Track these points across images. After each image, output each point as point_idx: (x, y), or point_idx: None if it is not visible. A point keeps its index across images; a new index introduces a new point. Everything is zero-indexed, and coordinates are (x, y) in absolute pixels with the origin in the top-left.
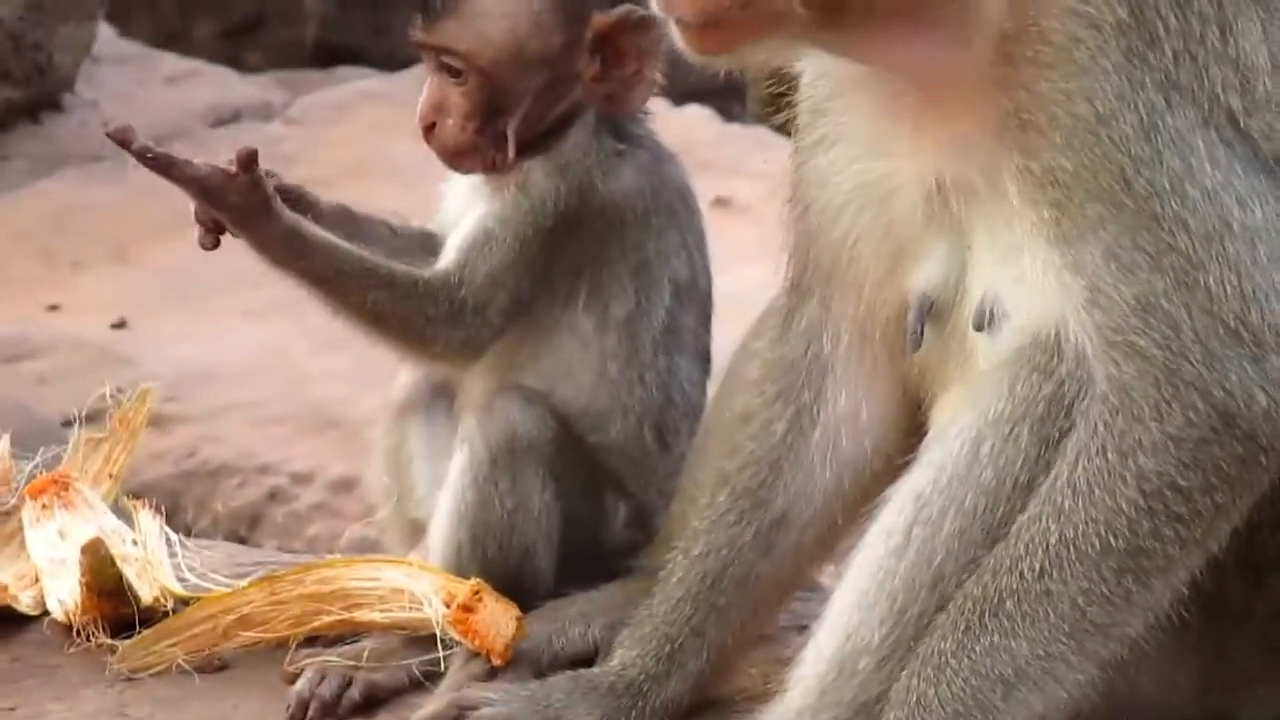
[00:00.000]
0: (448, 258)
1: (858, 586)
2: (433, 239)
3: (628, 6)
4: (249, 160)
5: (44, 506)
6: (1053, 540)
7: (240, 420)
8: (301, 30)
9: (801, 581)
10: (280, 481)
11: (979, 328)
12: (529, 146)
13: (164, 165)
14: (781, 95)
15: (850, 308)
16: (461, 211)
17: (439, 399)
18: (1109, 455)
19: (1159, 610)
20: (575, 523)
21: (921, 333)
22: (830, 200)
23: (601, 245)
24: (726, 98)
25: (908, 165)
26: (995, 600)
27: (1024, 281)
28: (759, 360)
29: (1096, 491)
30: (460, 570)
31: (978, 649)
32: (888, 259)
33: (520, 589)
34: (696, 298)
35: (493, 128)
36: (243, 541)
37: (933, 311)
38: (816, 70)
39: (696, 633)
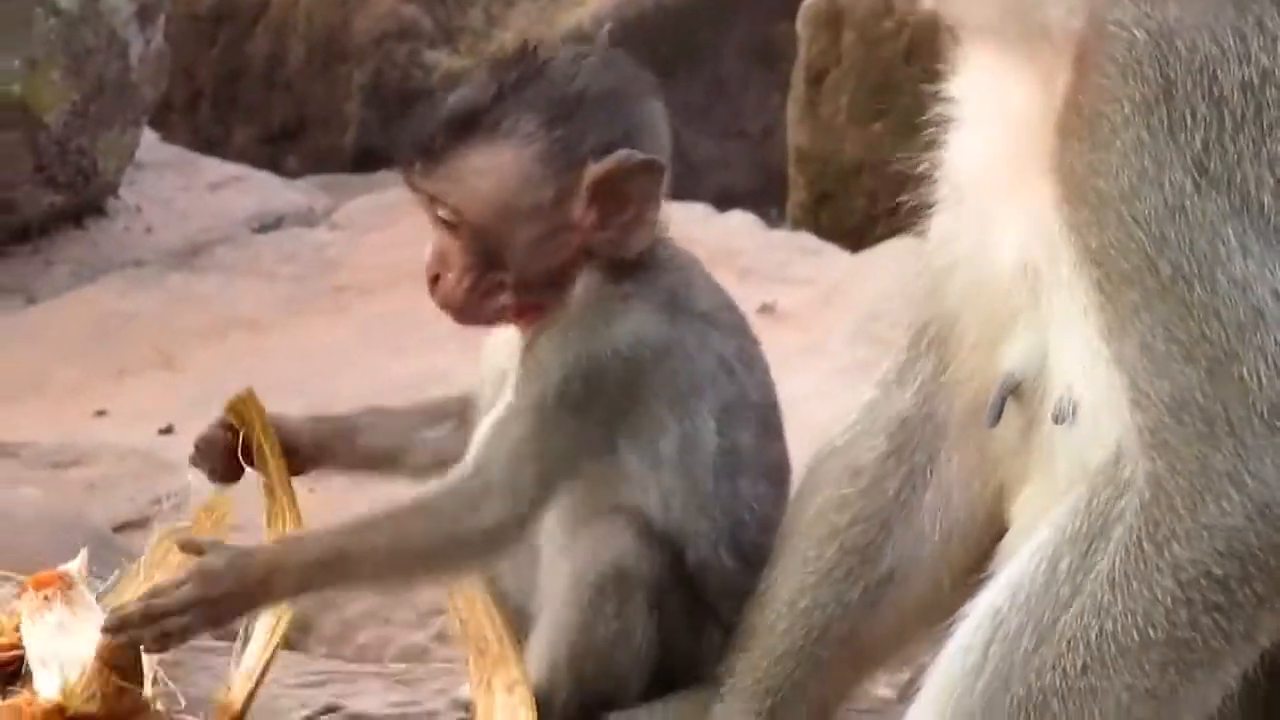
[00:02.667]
0: (469, 450)
1: (935, 703)
2: (470, 402)
3: (624, 153)
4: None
5: (45, 599)
6: (1093, 635)
7: None
8: (341, 135)
9: (903, 644)
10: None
11: (1057, 420)
12: (534, 297)
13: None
14: (823, 201)
15: (963, 371)
16: (500, 370)
17: None
18: (1145, 546)
19: (1209, 708)
20: (673, 648)
21: (1000, 411)
22: (945, 261)
23: (628, 390)
24: (765, 203)
25: (1006, 235)
26: (1040, 700)
27: (1088, 376)
28: (870, 417)
29: (1134, 584)
30: (554, 686)
31: None
32: (988, 328)
33: (610, 705)
34: (750, 413)
35: (490, 280)
36: (291, 648)
37: (1018, 392)
38: (949, 125)
39: (798, 687)
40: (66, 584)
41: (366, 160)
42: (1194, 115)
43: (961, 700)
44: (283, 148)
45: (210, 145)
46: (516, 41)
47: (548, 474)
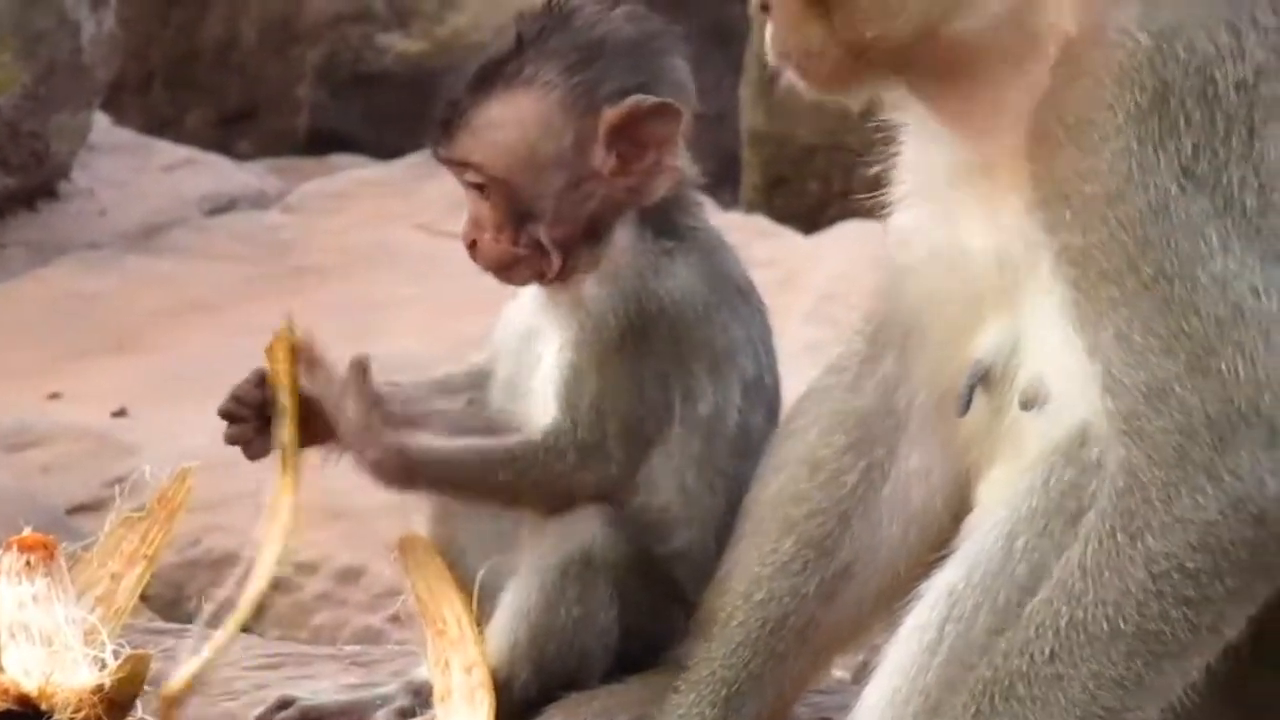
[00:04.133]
0: (550, 410)
1: (891, 682)
2: (482, 375)
3: (638, 97)
4: (363, 369)
5: (28, 564)
6: (1063, 623)
7: (244, 509)
8: (294, 118)
9: (860, 633)
10: (284, 571)
11: (1025, 407)
12: (573, 250)
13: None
14: (778, 184)
15: (923, 367)
16: (525, 336)
17: None
18: (1118, 536)
19: (1172, 697)
20: (637, 633)
21: (970, 399)
22: (909, 259)
23: (675, 346)
24: (719, 186)
25: (976, 232)
26: (1006, 684)
27: (1060, 364)
28: (828, 412)
29: (1106, 573)
30: (514, 668)
31: None
32: (955, 321)
33: (570, 688)
34: (764, 396)
35: (527, 235)
36: (246, 631)
37: (986, 380)
38: (907, 128)
39: (755, 678)
40: (49, 553)
41: (319, 143)
42: (1187, 121)
43: (918, 679)
44: (236, 130)
45: (163, 127)
46: (470, 24)
47: (625, 434)
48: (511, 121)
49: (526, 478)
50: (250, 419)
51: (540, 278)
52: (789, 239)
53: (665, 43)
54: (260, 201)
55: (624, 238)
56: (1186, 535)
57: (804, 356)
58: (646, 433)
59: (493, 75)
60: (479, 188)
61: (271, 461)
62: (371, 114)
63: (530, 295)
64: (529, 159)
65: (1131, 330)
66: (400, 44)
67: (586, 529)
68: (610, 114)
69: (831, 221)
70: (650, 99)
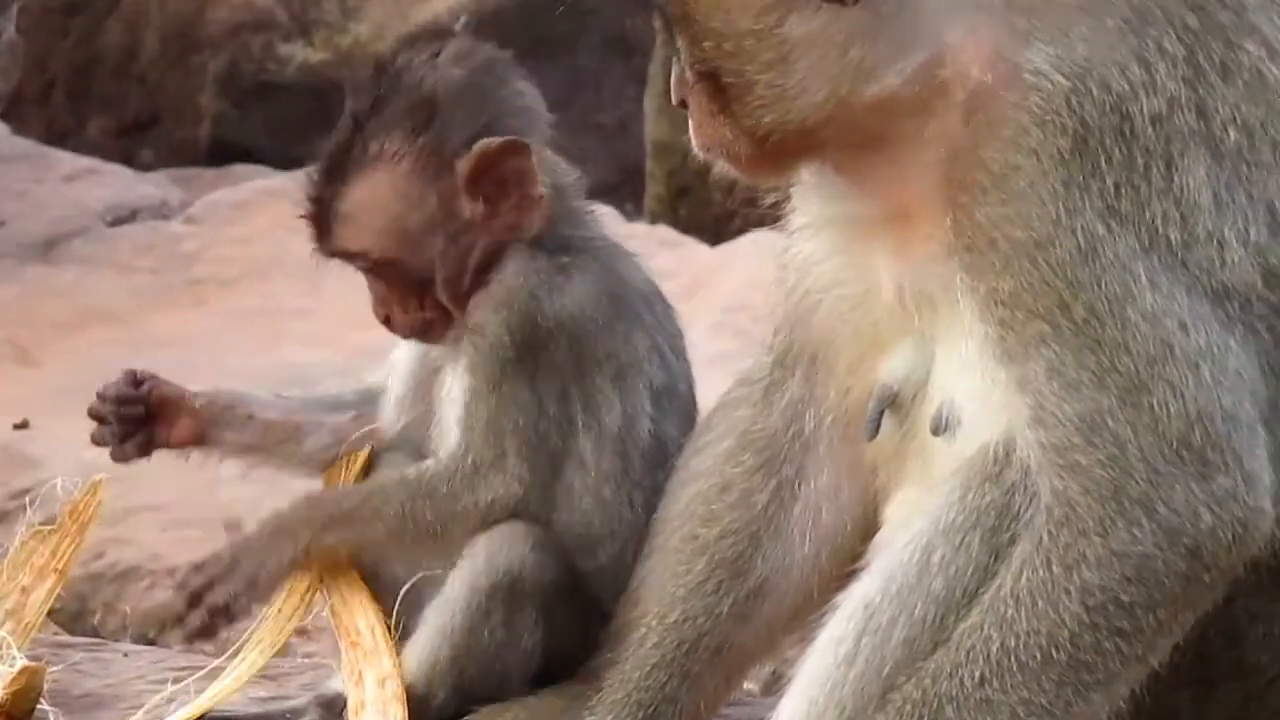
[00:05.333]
0: (451, 434)
1: (807, 694)
2: (372, 393)
3: (483, 141)
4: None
5: None
6: (994, 649)
7: (149, 522)
8: (195, 128)
9: (773, 650)
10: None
11: (935, 431)
12: (469, 290)
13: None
14: (682, 194)
15: (831, 389)
16: (422, 358)
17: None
18: (1053, 567)
19: None
20: (558, 652)
21: (879, 423)
22: (812, 286)
23: (575, 361)
24: (623, 196)
25: (880, 264)
26: (935, 706)
27: (976, 394)
28: (737, 431)
29: (1040, 603)
30: (432, 685)
31: None
32: (862, 347)
33: (488, 704)
34: (677, 404)
35: (430, 299)
36: (151, 644)
37: (894, 405)
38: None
39: (670, 700)
40: None
41: (221, 153)
42: (1108, 160)
43: (834, 692)
44: (136, 140)
45: (64, 137)
46: (372, 33)
47: (526, 450)
48: (374, 203)
49: (427, 507)
50: (113, 421)
51: (450, 325)
52: (693, 249)
53: (498, 74)
54: (163, 212)
55: (515, 261)
56: (1122, 568)
57: (711, 367)
58: (550, 448)
59: (342, 161)
60: (369, 271)
61: (160, 470)
62: (274, 124)
63: None
64: (402, 233)
65: (1064, 365)
66: (302, 53)
67: (517, 553)
68: (462, 166)
69: (736, 232)
70: (495, 140)
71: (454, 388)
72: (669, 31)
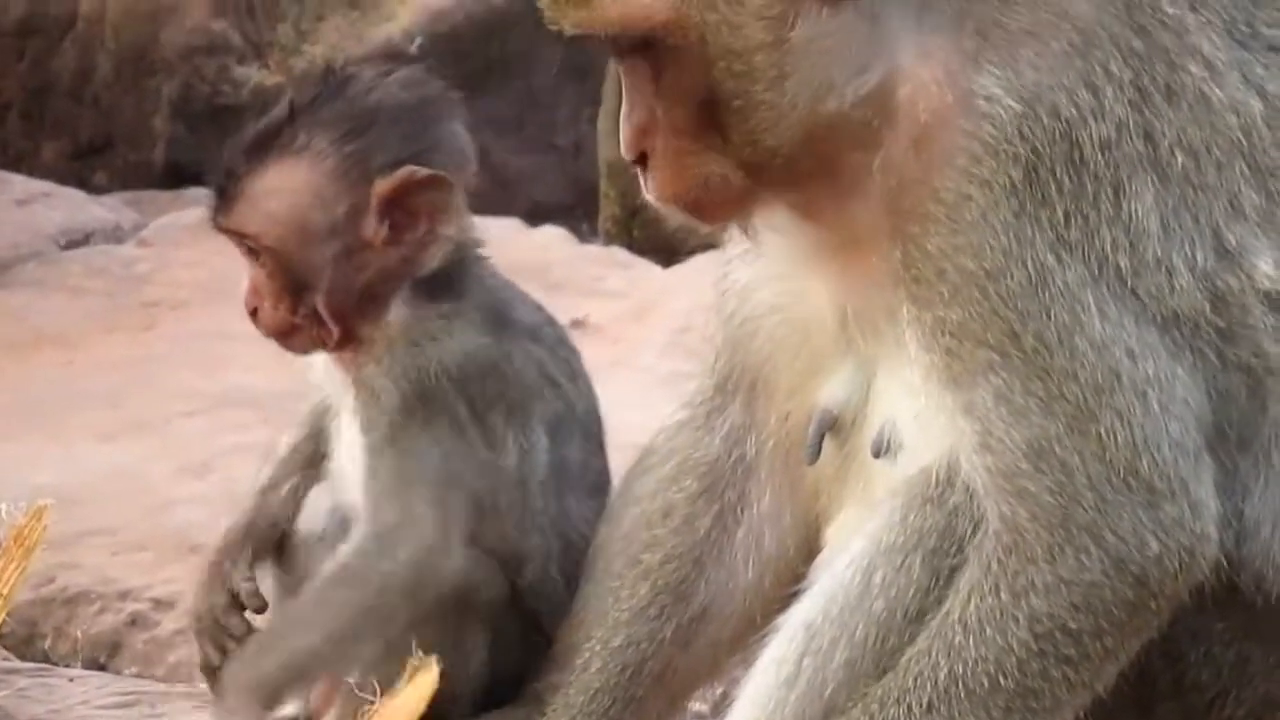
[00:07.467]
0: (358, 503)
1: (749, 715)
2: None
3: (410, 168)
4: None
5: None
6: (942, 675)
7: (99, 546)
8: (150, 151)
9: (717, 674)
10: (141, 608)
11: (876, 454)
12: (350, 321)
13: None
14: (635, 215)
15: (771, 415)
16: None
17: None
18: (1001, 594)
19: None
20: (505, 669)
21: (819, 447)
22: (751, 312)
23: (467, 406)
24: (577, 217)
25: (822, 290)
26: None
27: (920, 418)
28: (679, 456)
29: (988, 630)
30: None
31: None
32: (802, 372)
33: None
34: (577, 427)
35: (304, 305)
36: (102, 668)
37: (835, 428)
38: None
39: None
40: None
41: (175, 176)
42: (1058, 188)
43: (775, 712)
44: (91, 163)
45: (17, 161)
46: (327, 56)
47: (437, 494)
48: (284, 191)
49: (361, 590)
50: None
51: (321, 346)
52: (647, 270)
53: (441, 110)
54: (116, 235)
55: (399, 310)
56: (1070, 595)
57: (661, 388)
58: (466, 486)
59: (266, 143)
60: (255, 255)
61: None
62: None
63: (322, 367)
64: (301, 229)
65: (1012, 392)
66: (257, 76)
67: (460, 562)
68: (382, 185)
69: (690, 253)
70: (422, 170)
71: (353, 446)
72: (655, 71)
